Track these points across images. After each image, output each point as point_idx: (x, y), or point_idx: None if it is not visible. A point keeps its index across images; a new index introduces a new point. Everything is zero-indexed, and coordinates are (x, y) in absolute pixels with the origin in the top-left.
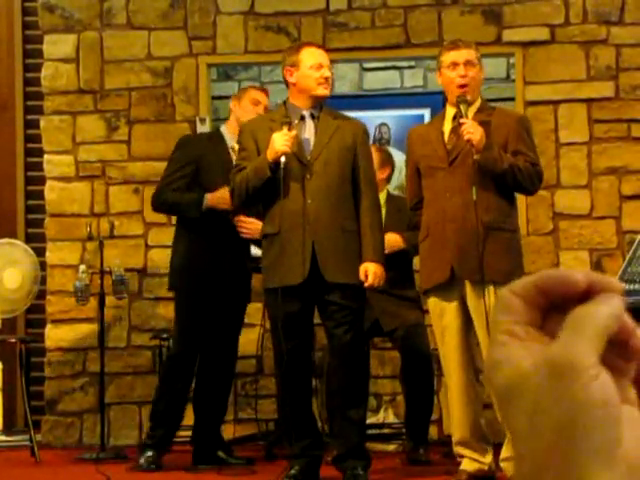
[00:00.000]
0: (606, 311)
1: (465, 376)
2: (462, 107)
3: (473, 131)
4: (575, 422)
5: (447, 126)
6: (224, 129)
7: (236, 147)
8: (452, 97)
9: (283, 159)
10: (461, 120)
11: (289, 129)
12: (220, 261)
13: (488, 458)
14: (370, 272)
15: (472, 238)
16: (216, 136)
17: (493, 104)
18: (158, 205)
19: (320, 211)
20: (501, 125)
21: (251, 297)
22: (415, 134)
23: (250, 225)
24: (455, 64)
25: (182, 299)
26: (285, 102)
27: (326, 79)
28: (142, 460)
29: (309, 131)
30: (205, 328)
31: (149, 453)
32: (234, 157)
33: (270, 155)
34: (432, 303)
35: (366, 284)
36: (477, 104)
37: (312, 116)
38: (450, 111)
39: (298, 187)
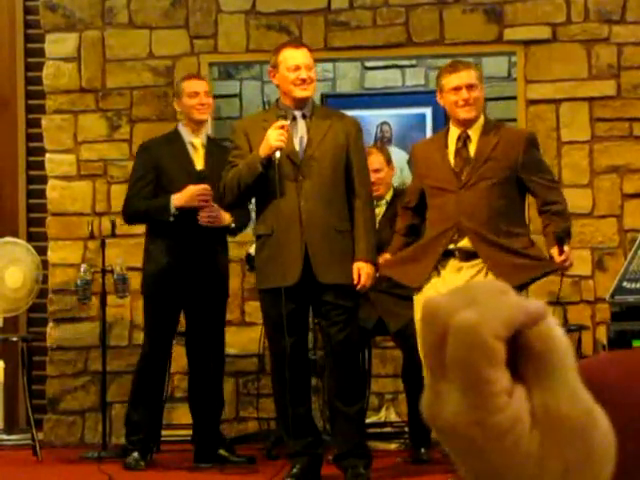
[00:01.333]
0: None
1: None
2: None
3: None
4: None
5: (451, 147)
6: (181, 127)
7: (195, 142)
8: (455, 118)
9: (278, 154)
10: (565, 264)
11: (285, 121)
12: (189, 262)
13: None
14: (363, 272)
15: (490, 251)
16: (174, 136)
17: (494, 103)
18: (129, 216)
19: (313, 212)
20: (509, 147)
21: (229, 293)
22: (419, 151)
23: (211, 212)
24: (457, 89)
25: (148, 303)
26: (277, 101)
27: (303, 80)
28: (129, 460)
29: (302, 131)
30: (173, 331)
31: (135, 454)
32: (193, 153)
33: (264, 151)
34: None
35: (358, 286)
36: (480, 123)
37: (304, 116)
38: (454, 132)
39: (291, 188)
